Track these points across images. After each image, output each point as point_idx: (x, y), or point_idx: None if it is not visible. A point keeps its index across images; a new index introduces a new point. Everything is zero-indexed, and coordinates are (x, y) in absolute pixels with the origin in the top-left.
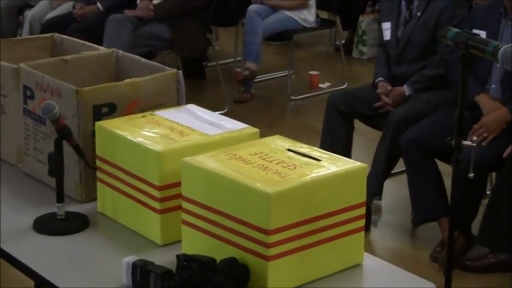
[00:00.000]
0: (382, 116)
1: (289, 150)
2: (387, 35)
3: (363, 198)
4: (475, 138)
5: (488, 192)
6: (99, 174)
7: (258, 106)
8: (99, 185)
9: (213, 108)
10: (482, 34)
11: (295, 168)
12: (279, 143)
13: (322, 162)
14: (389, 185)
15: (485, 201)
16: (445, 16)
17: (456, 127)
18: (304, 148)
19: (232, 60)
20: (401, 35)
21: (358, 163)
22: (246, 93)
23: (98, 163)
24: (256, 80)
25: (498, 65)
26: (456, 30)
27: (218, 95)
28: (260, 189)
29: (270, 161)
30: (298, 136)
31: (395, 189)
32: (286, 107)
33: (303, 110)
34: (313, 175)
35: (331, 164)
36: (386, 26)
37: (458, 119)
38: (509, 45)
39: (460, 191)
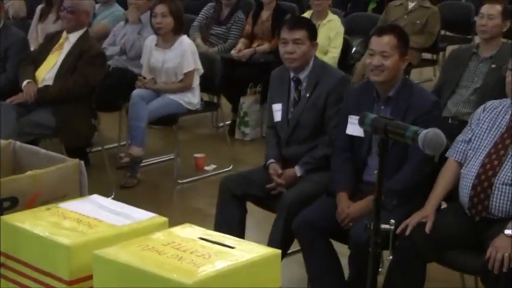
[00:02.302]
0: (275, 198)
1: (201, 238)
2: (278, 116)
3: (277, 283)
4: (392, 221)
5: (380, 270)
6: (3, 271)
7: (145, 191)
8: (3, 282)
9: (99, 194)
10: (357, 119)
11: (209, 257)
12: (190, 231)
13: (235, 250)
14: (284, 265)
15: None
16: (333, 97)
17: (374, 211)
18: (215, 236)
19: (116, 145)
20: (291, 116)
21: (271, 249)
22: (132, 178)
23: (3, 259)
24: (142, 165)
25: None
26: (374, 115)
27: (104, 181)
28: (177, 280)
29: (183, 251)
30: (187, 220)
31: (291, 269)
32: (173, 191)
33: (190, 193)
34: (228, 263)
35: (245, 252)
36: (277, 108)
37: (376, 203)
38: (428, 130)
39: (357, 269)
